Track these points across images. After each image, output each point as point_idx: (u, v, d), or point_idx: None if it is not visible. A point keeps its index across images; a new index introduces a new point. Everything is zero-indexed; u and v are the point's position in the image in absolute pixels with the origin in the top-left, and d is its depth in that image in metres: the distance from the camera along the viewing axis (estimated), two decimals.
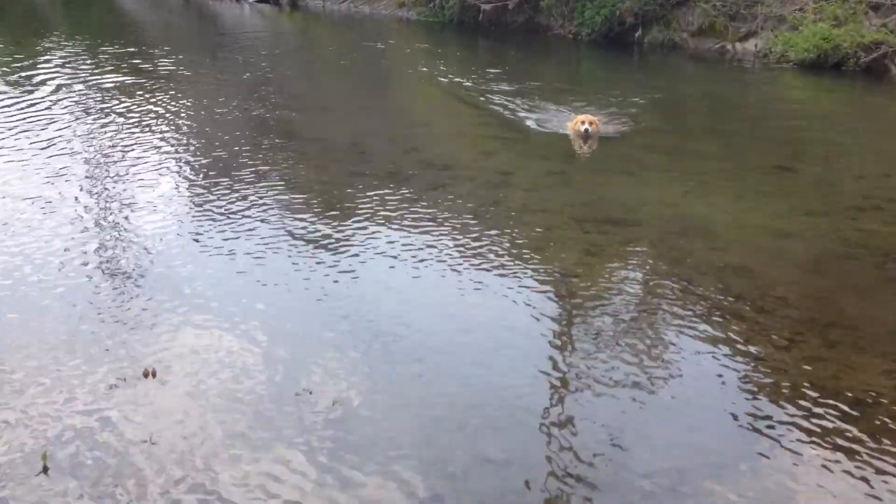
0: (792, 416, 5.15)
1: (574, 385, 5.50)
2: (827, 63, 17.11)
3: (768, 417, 5.14)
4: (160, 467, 4.58)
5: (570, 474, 4.60)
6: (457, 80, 16.02)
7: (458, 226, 8.27)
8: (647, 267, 7.35)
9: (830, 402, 5.28)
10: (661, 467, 4.68)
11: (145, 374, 5.44)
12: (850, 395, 5.36)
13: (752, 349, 5.94)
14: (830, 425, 5.05)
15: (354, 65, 18.03)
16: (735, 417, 5.16)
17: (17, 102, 13.32)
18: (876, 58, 16.74)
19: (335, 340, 6.01)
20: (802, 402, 5.28)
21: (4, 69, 16.16)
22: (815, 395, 5.36)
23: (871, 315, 6.43)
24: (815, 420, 5.10)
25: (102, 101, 13.56)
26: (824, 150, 11.62)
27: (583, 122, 11.53)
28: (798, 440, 4.92)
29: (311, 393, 5.30)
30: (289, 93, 15.25)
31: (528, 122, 12.69)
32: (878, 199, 9.12)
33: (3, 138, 11.12)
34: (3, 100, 13.45)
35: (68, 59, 17.20)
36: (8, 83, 14.89)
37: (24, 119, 12.23)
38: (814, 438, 4.93)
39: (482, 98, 14.26)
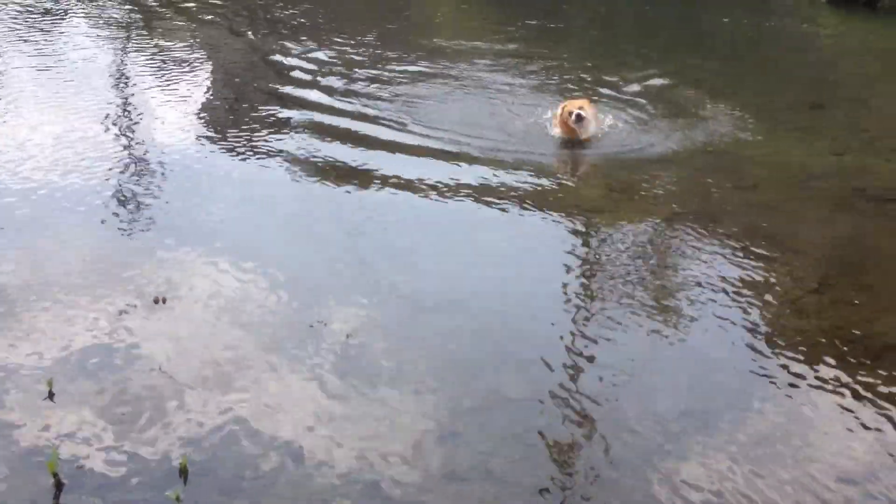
0: (820, 360, 4.96)
1: (596, 323, 5.33)
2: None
3: (795, 361, 4.95)
4: (169, 394, 4.45)
5: (591, 414, 4.44)
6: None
7: (479, 159, 8.05)
8: (673, 204, 7.11)
9: (860, 346, 5.08)
10: (684, 408, 4.52)
11: (155, 301, 5.30)
12: (881, 339, 5.17)
13: (780, 291, 5.74)
14: (859, 370, 4.85)
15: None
16: (760, 360, 4.97)
17: (29, 26, 13.09)
18: None
19: (351, 273, 5.84)
20: (831, 347, 5.08)
21: None
22: (844, 339, 5.16)
23: None
24: (843, 365, 4.91)
25: (112, 32, 13.30)
26: (857, 88, 11.27)
27: (571, 112, 8.35)
28: (825, 385, 4.73)
29: (325, 325, 5.15)
30: (305, 24, 14.94)
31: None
32: None
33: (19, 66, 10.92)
34: (17, 25, 13.21)
35: None
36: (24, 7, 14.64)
37: (35, 46, 12.02)
38: (841, 383, 4.74)
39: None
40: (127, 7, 15.36)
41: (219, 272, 5.73)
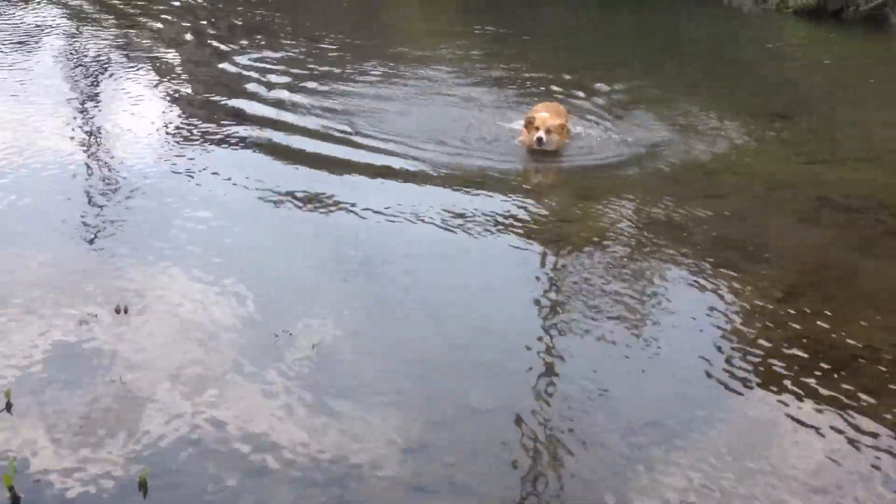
0: (785, 370, 4.97)
1: (563, 333, 5.31)
2: (826, 10, 16.81)
3: (760, 372, 4.96)
4: (130, 406, 4.36)
5: (559, 426, 4.41)
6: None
7: (445, 167, 8.03)
8: (641, 213, 7.13)
9: (825, 356, 5.10)
10: (650, 419, 4.51)
11: (117, 311, 5.20)
12: (845, 350, 5.18)
13: (747, 301, 5.76)
14: (825, 381, 4.86)
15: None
16: (726, 371, 4.97)
17: None
18: (876, 6, 16.47)
19: (316, 281, 5.79)
20: (796, 357, 5.09)
21: None
22: (810, 349, 5.17)
23: (871, 269, 6.26)
24: (808, 375, 4.92)
25: (62, 41, 13.09)
26: (824, 98, 11.40)
27: (538, 128, 8.34)
28: (790, 396, 4.74)
29: (290, 334, 5.08)
30: (266, 30, 14.85)
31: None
32: (879, 149, 8.93)
33: None
34: None
35: None
36: None
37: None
38: (807, 394, 4.75)
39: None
40: (80, 14, 15.14)
41: (182, 282, 5.65)
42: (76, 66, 11.25)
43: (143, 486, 3.84)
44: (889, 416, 4.56)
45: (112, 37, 13.31)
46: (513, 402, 4.58)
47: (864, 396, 4.73)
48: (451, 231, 6.64)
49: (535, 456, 4.20)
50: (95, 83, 10.46)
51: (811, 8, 16.90)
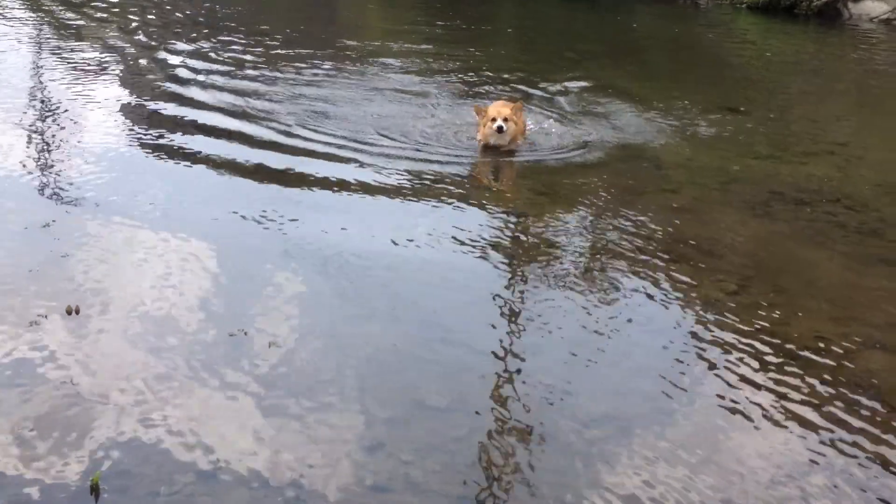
0: (739, 362, 5.03)
1: (520, 329, 5.32)
2: (780, 5, 17.04)
3: (715, 364, 5.01)
4: (80, 410, 4.29)
5: (515, 422, 4.42)
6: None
7: (405, 162, 8.01)
8: (597, 208, 7.17)
9: (778, 348, 5.16)
10: (606, 413, 4.53)
11: (68, 311, 5.12)
12: (798, 341, 5.25)
13: (701, 294, 5.82)
14: (778, 372, 4.93)
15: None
16: (682, 363, 5.02)
17: None
18: (828, 1, 16.71)
19: (271, 282, 5.74)
20: (750, 349, 5.16)
21: None
22: (763, 341, 5.24)
23: (822, 261, 6.35)
24: (762, 367, 4.98)
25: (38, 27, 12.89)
26: (775, 93, 11.54)
27: (494, 119, 8.26)
28: (745, 387, 4.80)
29: (245, 333, 5.04)
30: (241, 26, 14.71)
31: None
32: (829, 143, 9.06)
33: None
34: None
35: None
36: None
37: None
38: (761, 386, 4.80)
39: None
40: (32, 13, 14.89)
41: (135, 283, 5.57)
42: (18, 71, 11.05)
43: (94, 489, 3.79)
44: (839, 407, 4.63)
45: (53, 38, 13.10)
46: (468, 400, 4.58)
47: (815, 387, 4.80)
48: (408, 232, 6.62)
49: (490, 452, 4.21)
50: (38, 89, 10.27)
51: (765, 3, 17.10)
